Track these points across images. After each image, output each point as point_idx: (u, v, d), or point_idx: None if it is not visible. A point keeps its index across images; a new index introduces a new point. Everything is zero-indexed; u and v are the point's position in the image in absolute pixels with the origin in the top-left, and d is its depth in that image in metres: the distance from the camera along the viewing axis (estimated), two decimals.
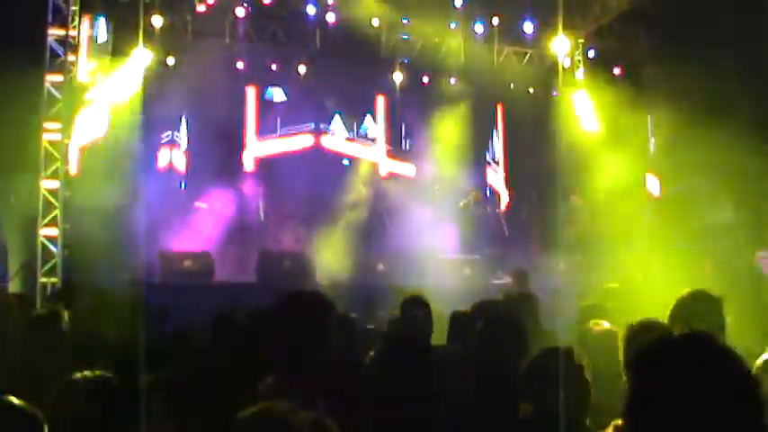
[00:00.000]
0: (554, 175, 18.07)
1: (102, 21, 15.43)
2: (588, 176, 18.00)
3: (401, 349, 3.70)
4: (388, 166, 19.70)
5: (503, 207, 19.55)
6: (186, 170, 17.31)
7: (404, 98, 20.02)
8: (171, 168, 17.15)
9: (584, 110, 18.80)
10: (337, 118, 19.61)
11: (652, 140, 19.00)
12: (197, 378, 2.55)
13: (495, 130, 20.75)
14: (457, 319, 6.48)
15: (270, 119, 18.91)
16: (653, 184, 18.74)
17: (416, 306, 6.77)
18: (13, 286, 12.13)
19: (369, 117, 20.06)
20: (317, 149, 19.15)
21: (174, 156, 17.35)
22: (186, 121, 17.58)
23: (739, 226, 14.89)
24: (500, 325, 4.65)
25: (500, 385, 4.10)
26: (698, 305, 4.78)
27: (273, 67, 18.52)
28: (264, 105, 18.95)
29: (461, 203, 17.46)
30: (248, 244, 15.59)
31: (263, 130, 18.78)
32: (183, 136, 17.58)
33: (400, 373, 3.46)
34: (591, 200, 17.79)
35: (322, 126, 19.38)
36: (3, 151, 12.07)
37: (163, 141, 17.32)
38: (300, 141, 19.02)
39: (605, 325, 5.25)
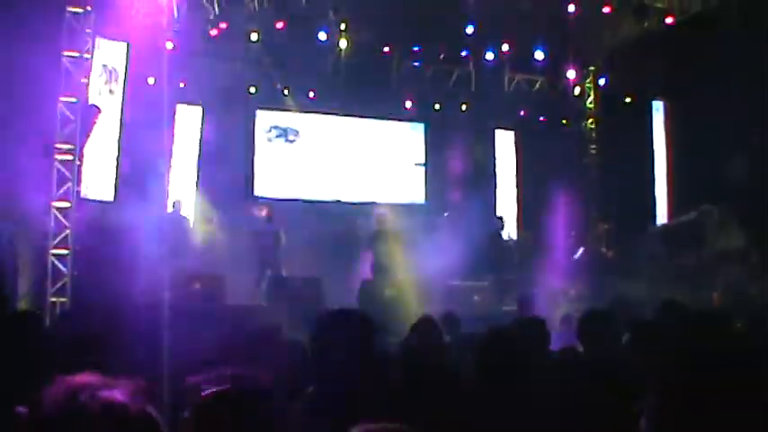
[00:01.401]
0: (566, 202, 18.10)
1: (115, 43, 15.48)
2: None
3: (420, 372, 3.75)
4: (395, 190, 19.73)
5: (514, 234, 19.53)
6: (196, 192, 17.34)
7: (414, 125, 20.14)
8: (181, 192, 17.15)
9: None
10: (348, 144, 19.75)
11: (660, 167, 18.99)
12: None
13: (505, 158, 20.76)
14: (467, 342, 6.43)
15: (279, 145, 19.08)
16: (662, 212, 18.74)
17: (428, 329, 6.74)
18: (24, 305, 12.11)
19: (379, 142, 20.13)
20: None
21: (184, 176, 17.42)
22: (198, 143, 17.64)
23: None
24: (498, 351, 4.63)
25: (501, 412, 4.10)
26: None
27: (285, 92, 18.58)
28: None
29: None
30: (259, 268, 15.54)
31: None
32: (193, 157, 17.65)
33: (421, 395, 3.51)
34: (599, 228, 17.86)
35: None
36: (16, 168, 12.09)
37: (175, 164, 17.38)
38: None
39: None
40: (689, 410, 2.01)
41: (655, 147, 19.39)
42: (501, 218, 18.09)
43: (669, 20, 16.51)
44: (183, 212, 16.28)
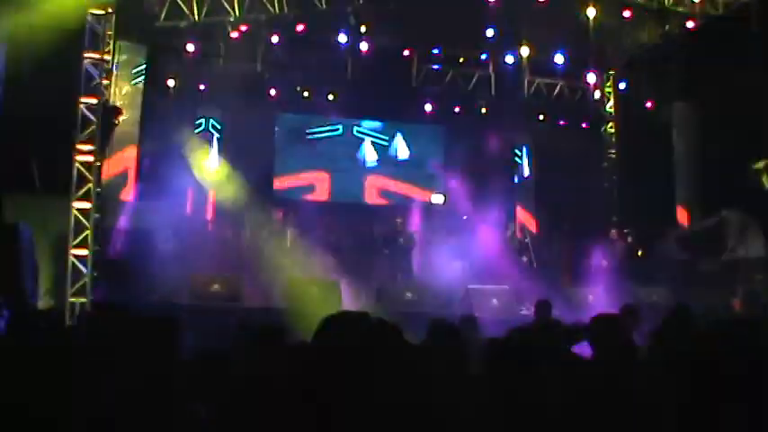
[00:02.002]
0: (586, 207, 18.06)
1: (136, 45, 15.59)
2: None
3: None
4: (417, 195, 19.80)
5: (531, 238, 19.48)
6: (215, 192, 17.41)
7: (434, 128, 20.17)
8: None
9: None
10: (367, 143, 19.81)
11: (681, 172, 18.90)
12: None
13: (524, 162, 20.74)
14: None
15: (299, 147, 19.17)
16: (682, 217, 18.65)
17: (445, 332, 6.70)
18: (43, 305, 12.16)
19: (398, 143, 20.17)
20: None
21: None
22: (217, 145, 17.72)
23: None
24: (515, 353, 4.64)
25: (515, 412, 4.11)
26: None
27: (305, 94, 18.62)
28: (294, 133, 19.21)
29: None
30: (276, 270, 15.56)
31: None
32: (213, 159, 17.71)
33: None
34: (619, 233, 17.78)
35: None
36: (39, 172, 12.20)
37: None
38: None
39: None
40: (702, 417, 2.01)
41: (675, 151, 19.29)
42: (516, 222, 18.12)
43: (690, 24, 16.42)
44: (202, 213, 16.33)
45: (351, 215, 18.11)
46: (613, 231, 17.83)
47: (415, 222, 17.54)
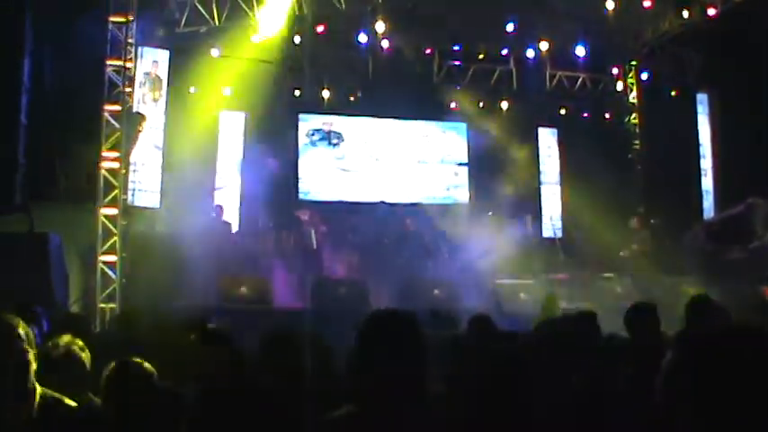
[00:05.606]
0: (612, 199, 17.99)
1: (159, 52, 15.69)
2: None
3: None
4: (439, 190, 19.80)
5: (558, 231, 19.43)
6: (241, 196, 17.46)
7: (457, 125, 20.15)
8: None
9: None
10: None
11: (706, 161, 18.80)
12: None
13: (549, 156, 20.67)
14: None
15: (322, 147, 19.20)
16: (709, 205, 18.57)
17: (483, 325, 6.74)
18: (75, 310, 12.26)
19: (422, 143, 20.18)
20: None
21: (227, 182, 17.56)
22: (242, 148, 17.78)
23: None
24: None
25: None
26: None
27: (326, 94, 18.65)
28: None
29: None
30: (304, 271, 15.61)
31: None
32: (238, 163, 17.78)
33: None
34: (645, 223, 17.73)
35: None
36: (66, 180, 12.32)
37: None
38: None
39: None
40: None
41: (700, 140, 19.19)
42: (531, 215, 18.17)
43: (711, 11, 16.32)
44: (225, 217, 16.40)
45: (374, 214, 18.08)
46: (634, 219, 17.77)
47: (437, 219, 17.50)
